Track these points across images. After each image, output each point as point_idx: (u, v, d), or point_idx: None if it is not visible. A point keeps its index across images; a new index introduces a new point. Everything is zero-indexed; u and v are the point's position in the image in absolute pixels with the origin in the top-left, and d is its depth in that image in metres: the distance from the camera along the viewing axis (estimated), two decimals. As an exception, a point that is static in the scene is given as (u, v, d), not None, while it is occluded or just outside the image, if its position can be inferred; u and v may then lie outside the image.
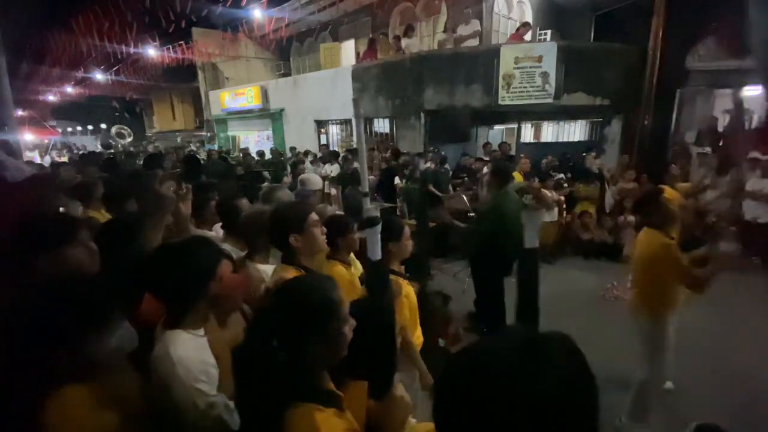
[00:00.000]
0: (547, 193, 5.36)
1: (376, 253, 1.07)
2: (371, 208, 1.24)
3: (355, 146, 8.09)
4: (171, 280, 1.18)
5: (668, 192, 3.81)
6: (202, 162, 6.54)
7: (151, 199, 1.44)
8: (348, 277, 1.92)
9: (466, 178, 6.58)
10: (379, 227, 1.09)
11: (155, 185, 1.48)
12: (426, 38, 9.99)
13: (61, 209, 2.25)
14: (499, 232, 3.40)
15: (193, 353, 1.15)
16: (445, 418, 0.60)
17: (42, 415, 0.93)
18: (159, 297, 1.25)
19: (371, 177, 6.28)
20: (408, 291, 1.94)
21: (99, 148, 14.74)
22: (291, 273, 1.60)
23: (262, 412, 0.88)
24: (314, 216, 1.72)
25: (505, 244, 3.42)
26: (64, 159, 11.37)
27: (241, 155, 10.08)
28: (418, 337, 2.01)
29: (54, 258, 1.30)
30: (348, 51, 10.59)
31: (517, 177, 5.68)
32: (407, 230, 2.07)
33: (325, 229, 1.77)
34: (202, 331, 1.22)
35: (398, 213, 5.69)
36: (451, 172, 6.83)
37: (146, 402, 1.14)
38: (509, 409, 0.52)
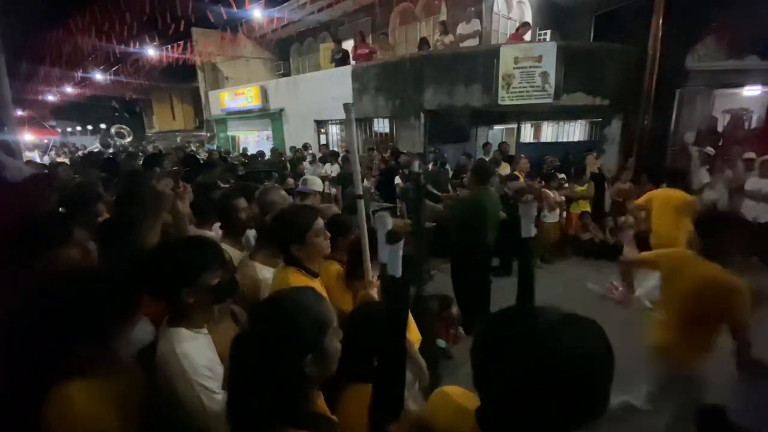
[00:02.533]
0: (550, 193, 5.37)
1: (397, 269, 1.03)
2: (385, 215, 1.21)
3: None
4: (158, 275, 1.20)
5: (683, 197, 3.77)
6: (202, 162, 6.54)
7: (148, 196, 1.44)
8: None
9: (465, 179, 6.58)
10: (401, 243, 1.04)
11: (152, 183, 1.47)
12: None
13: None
14: (475, 227, 3.52)
15: (197, 350, 1.16)
16: (487, 368, 0.70)
17: (47, 409, 0.94)
18: (153, 294, 1.26)
19: (370, 180, 6.27)
20: None
21: (98, 148, 14.72)
22: (293, 275, 1.61)
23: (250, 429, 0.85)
24: (318, 224, 1.65)
25: (482, 238, 3.58)
26: (64, 159, 11.35)
27: (241, 155, 10.11)
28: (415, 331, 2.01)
29: (49, 258, 1.30)
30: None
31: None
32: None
33: (329, 234, 1.72)
34: (204, 330, 1.23)
35: (398, 213, 5.69)
36: (451, 172, 6.82)
37: (152, 399, 1.14)
38: (549, 365, 0.62)
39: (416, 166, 3.85)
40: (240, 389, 0.85)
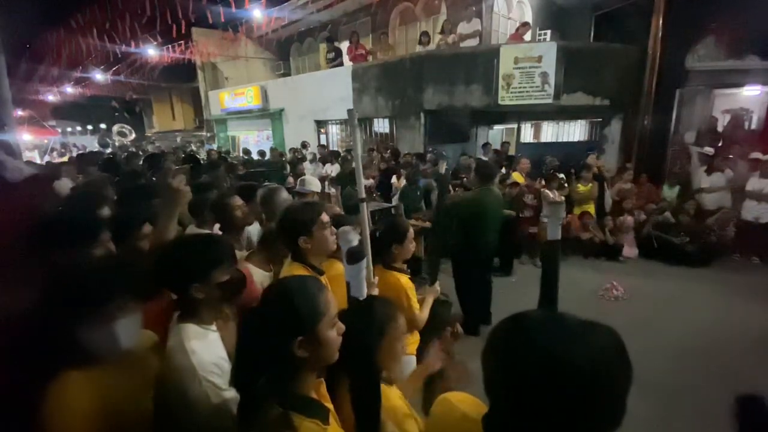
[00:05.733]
0: (549, 193, 5.37)
1: (361, 291, 0.99)
2: (348, 230, 1.14)
3: (354, 146, 8.07)
4: (169, 269, 1.23)
5: None
6: (202, 162, 6.54)
7: (164, 193, 1.47)
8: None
9: (465, 179, 6.57)
10: (364, 262, 1.00)
11: (168, 179, 1.50)
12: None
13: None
14: (478, 226, 3.53)
15: (206, 346, 1.17)
16: (497, 375, 0.68)
17: (43, 401, 0.94)
18: (167, 287, 1.29)
19: (369, 181, 6.25)
20: (409, 285, 2.00)
21: (97, 148, 14.73)
22: (298, 270, 1.64)
23: (249, 413, 0.88)
24: (324, 217, 1.72)
25: (485, 238, 3.59)
26: (65, 159, 11.34)
27: (242, 155, 10.11)
28: (414, 334, 2.02)
29: (73, 255, 1.32)
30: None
31: (518, 177, 5.69)
32: (411, 232, 2.11)
33: (335, 230, 1.75)
34: (213, 327, 1.25)
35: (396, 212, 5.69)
36: (450, 172, 6.82)
37: (158, 393, 1.15)
38: (564, 374, 0.59)
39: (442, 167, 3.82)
40: (240, 363, 0.90)
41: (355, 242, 1.11)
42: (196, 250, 1.26)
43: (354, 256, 0.99)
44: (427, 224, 4.72)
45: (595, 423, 0.61)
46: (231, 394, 1.13)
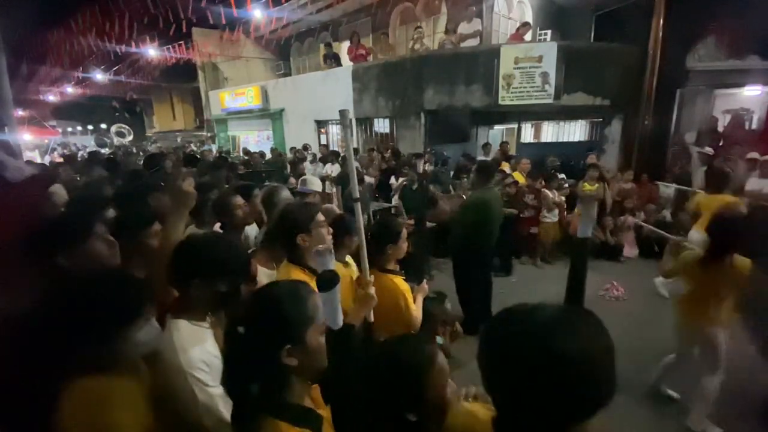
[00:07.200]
0: (549, 194, 5.37)
1: (335, 321, 0.94)
2: (324, 250, 1.08)
3: (356, 146, 8.13)
4: (180, 258, 1.23)
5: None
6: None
7: (173, 194, 1.48)
8: (348, 276, 1.95)
9: (465, 179, 6.57)
10: (337, 290, 0.95)
11: (177, 182, 1.51)
12: (426, 38, 9.99)
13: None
14: (482, 226, 3.53)
15: (194, 342, 1.16)
16: (493, 374, 0.70)
17: (61, 405, 0.95)
18: (174, 273, 1.28)
19: (370, 179, 6.26)
20: (405, 288, 1.99)
21: (94, 147, 14.73)
22: (294, 272, 1.63)
23: (240, 423, 0.86)
24: (321, 216, 1.74)
25: (487, 238, 3.58)
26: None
27: (243, 155, 10.12)
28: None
29: (74, 254, 1.33)
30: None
31: (518, 177, 5.69)
32: (404, 232, 2.11)
33: (331, 230, 1.78)
34: (206, 324, 1.24)
35: (396, 212, 5.69)
36: (451, 173, 6.82)
37: (155, 392, 1.15)
38: (559, 364, 0.62)
39: (421, 166, 3.85)
40: (229, 372, 0.88)
41: (331, 265, 1.07)
42: (209, 248, 1.25)
43: (326, 283, 0.93)
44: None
45: (588, 402, 0.64)
46: (219, 390, 1.12)
